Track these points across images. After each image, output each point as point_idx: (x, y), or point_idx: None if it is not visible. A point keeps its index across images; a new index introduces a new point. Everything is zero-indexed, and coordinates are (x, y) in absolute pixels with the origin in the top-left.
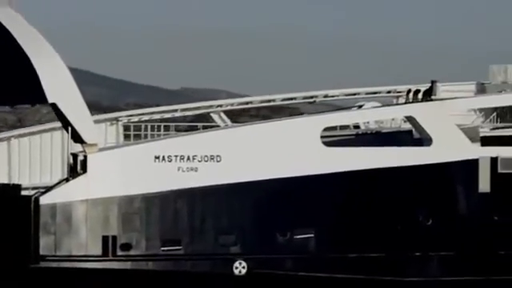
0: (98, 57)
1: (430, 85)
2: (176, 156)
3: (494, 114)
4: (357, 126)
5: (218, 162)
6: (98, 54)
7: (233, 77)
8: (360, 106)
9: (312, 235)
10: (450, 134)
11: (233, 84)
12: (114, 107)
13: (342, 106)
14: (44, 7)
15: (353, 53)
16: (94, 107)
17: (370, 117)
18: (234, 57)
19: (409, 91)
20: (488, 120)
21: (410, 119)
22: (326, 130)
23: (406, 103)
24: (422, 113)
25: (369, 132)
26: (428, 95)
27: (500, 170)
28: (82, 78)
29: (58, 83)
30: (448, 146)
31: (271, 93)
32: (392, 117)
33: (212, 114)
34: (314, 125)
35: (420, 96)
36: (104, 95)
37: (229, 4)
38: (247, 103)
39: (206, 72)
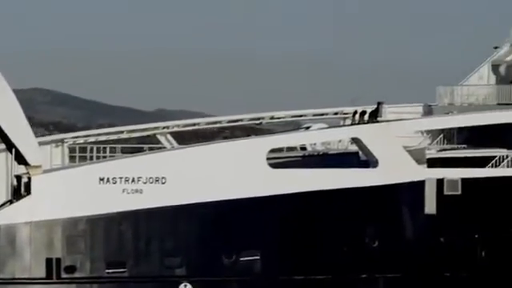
0: (72, 78)
1: (376, 106)
2: (121, 178)
3: (441, 135)
4: (303, 148)
5: (163, 183)
6: (71, 75)
7: (209, 98)
8: (307, 128)
9: (258, 257)
10: (396, 155)
11: (210, 106)
12: (88, 128)
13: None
14: (17, 29)
15: (303, 73)
16: (70, 129)
17: (316, 138)
18: (211, 78)
19: (355, 113)
20: (435, 142)
21: (356, 141)
22: (272, 151)
23: (351, 125)
24: (368, 134)
25: (315, 154)
26: (374, 117)
27: (446, 192)
28: (56, 98)
29: (1, 105)
30: (394, 167)
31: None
32: (338, 138)
33: (158, 136)
34: (259, 146)
35: (366, 117)
36: (77, 116)
37: (207, 25)
38: (194, 125)
39: (183, 93)
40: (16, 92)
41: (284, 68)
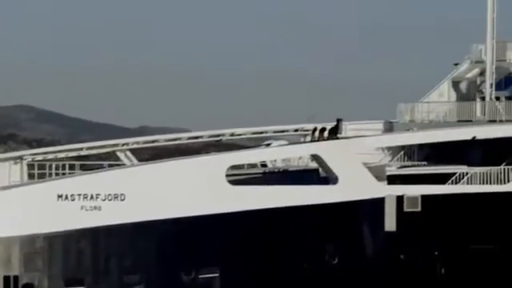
0: (55, 95)
1: (335, 123)
2: (79, 195)
3: (402, 152)
4: (264, 165)
5: (121, 200)
6: (55, 92)
7: (194, 115)
8: (268, 145)
9: (217, 274)
10: (355, 172)
11: (194, 122)
12: None
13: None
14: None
15: (264, 89)
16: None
17: (276, 155)
18: (195, 95)
19: (315, 129)
20: (395, 158)
21: (315, 158)
22: (232, 168)
23: (311, 141)
24: (328, 151)
25: (276, 170)
26: (334, 133)
27: (406, 209)
28: (40, 115)
29: None
30: (354, 184)
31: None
32: (297, 155)
33: (118, 153)
34: (219, 163)
35: (326, 134)
36: (61, 133)
37: (193, 43)
38: (153, 142)
39: (166, 110)
40: (1, 109)
41: (258, 84)
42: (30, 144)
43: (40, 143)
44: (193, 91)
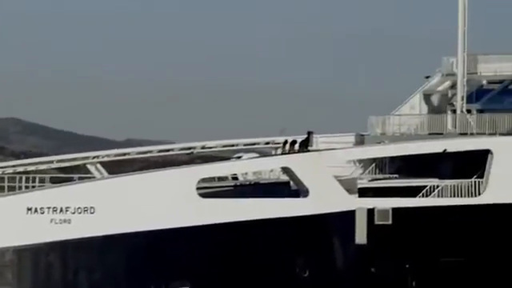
0: (41, 108)
1: (306, 136)
2: (49, 208)
3: (373, 165)
4: (235, 178)
5: (91, 213)
6: (41, 105)
7: (180, 128)
8: (239, 158)
9: (187, 287)
10: (326, 185)
11: (181, 135)
12: None
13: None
14: None
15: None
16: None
17: (246, 168)
18: (181, 108)
19: (285, 142)
20: (367, 171)
21: (286, 170)
22: (203, 181)
23: (282, 154)
24: (299, 164)
25: (247, 183)
26: (304, 146)
27: (377, 222)
28: (26, 128)
29: None
30: (324, 197)
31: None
32: (268, 168)
33: (88, 166)
34: (189, 176)
35: (296, 147)
36: (48, 146)
37: (177, 56)
38: (124, 154)
39: (153, 123)
40: None
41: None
42: (18, 157)
43: (27, 156)
44: (177, 104)
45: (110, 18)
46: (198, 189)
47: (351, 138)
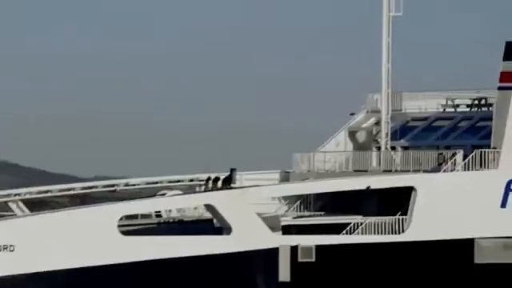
0: (10, 145)
1: (229, 173)
2: None
3: (298, 202)
4: (159, 215)
5: (11, 251)
6: (9, 142)
7: (149, 165)
8: (163, 195)
9: None
10: (249, 222)
11: (154, 170)
12: None
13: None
14: None
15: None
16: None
17: (169, 205)
18: (152, 144)
19: (208, 179)
20: (292, 208)
21: (209, 208)
22: (127, 218)
23: (205, 191)
24: (221, 201)
25: (170, 220)
26: (227, 183)
27: (300, 259)
28: None
29: None
30: (247, 234)
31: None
32: (191, 205)
33: (10, 203)
34: (110, 213)
35: (219, 184)
36: (17, 183)
37: (145, 93)
38: (46, 191)
39: (121, 159)
40: None
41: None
42: None
43: None
44: (143, 140)
45: (84, 57)
46: (120, 226)
47: (276, 175)
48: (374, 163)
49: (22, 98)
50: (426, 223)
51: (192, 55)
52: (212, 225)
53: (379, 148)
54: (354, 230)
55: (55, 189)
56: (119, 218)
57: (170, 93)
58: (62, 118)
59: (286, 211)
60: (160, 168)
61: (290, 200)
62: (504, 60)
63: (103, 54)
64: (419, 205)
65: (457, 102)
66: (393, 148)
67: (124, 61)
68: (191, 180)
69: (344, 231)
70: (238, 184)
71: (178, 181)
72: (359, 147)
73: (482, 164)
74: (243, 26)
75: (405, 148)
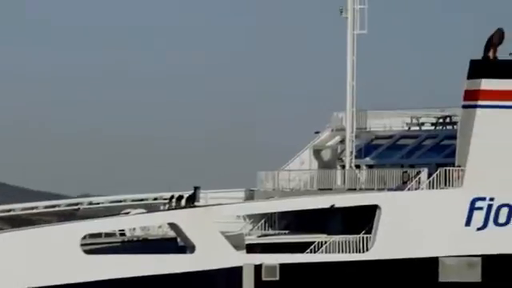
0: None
1: (193, 191)
2: None
3: (263, 220)
4: (123, 233)
5: None
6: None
7: (134, 183)
8: (127, 213)
9: None
10: (213, 241)
11: (140, 189)
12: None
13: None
14: None
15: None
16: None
17: (132, 224)
18: (137, 162)
19: (172, 197)
20: (256, 227)
21: (172, 226)
22: (90, 236)
23: (168, 210)
24: (185, 220)
25: (134, 239)
26: (191, 202)
27: (264, 278)
28: None
29: None
30: (211, 253)
31: None
32: (154, 224)
33: None
34: (73, 232)
35: (183, 202)
36: (2, 202)
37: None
38: (9, 210)
39: (108, 177)
40: None
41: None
42: None
43: None
44: (130, 159)
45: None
46: (83, 245)
47: (241, 194)
48: (339, 182)
49: (4, 116)
50: (390, 242)
51: (156, 75)
52: (176, 243)
53: (344, 166)
54: (319, 249)
55: (18, 207)
56: (82, 236)
57: (143, 110)
58: (49, 134)
59: (251, 230)
60: (126, 186)
61: (255, 218)
62: (468, 78)
63: (71, 74)
64: (383, 223)
65: (422, 120)
66: (357, 166)
67: (91, 79)
68: (155, 199)
69: (308, 250)
70: (202, 202)
71: (142, 199)
72: (324, 165)
73: (447, 182)
74: (208, 45)
75: (369, 166)
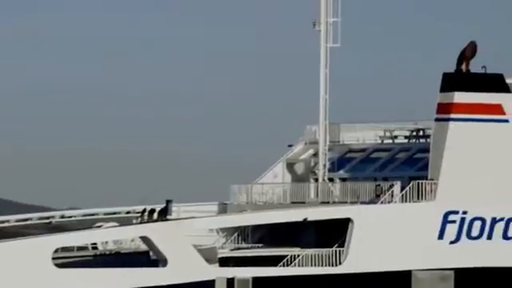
0: None
1: (165, 204)
2: None
3: (236, 234)
4: (95, 247)
5: None
6: None
7: (107, 196)
8: (99, 227)
9: None
10: (185, 254)
11: (123, 203)
12: None
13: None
14: None
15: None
16: None
17: (103, 237)
18: (109, 176)
19: (144, 211)
20: (229, 240)
21: (145, 240)
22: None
23: (140, 223)
24: (157, 233)
25: (107, 253)
26: (163, 215)
27: None
28: None
29: None
30: (183, 266)
31: None
32: (126, 237)
33: None
34: (44, 246)
35: (155, 216)
36: None
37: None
38: None
39: (95, 190)
40: None
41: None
42: None
43: None
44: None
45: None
46: (55, 258)
47: (214, 207)
48: (312, 195)
49: None
50: (363, 255)
51: (125, 90)
52: (148, 257)
53: (317, 179)
54: (291, 262)
55: None
56: (54, 249)
57: (116, 123)
58: (36, 149)
59: (224, 243)
60: (98, 199)
61: (228, 232)
62: (441, 91)
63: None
64: (356, 236)
65: (395, 133)
66: (331, 180)
67: (67, 93)
68: (128, 212)
69: (281, 263)
70: (174, 216)
71: (115, 213)
72: (297, 179)
73: (420, 196)
74: (182, 61)
75: (343, 179)
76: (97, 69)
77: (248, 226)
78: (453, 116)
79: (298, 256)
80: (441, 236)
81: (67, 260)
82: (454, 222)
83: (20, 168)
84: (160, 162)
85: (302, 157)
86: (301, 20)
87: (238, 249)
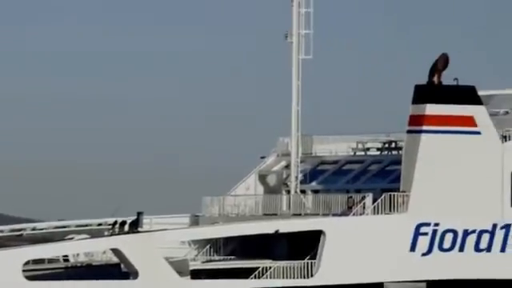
0: None
1: (136, 217)
2: None
3: (208, 246)
4: (66, 259)
5: None
6: None
7: (93, 209)
8: (71, 239)
9: None
10: (156, 266)
11: (94, 215)
12: None
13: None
14: None
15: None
16: None
17: (74, 249)
18: (81, 188)
19: (115, 223)
20: (201, 252)
21: (115, 252)
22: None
23: (111, 235)
24: (127, 245)
25: (78, 265)
26: (134, 227)
27: None
28: None
29: None
30: (154, 279)
31: None
32: (97, 249)
33: None
34: (14, 258)
35: (126, 228)
36: None
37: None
38: None
39: (85, 204)
40: None
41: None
42: None
43: None
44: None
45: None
46: (25, 271)
47: (186, 219)
48: (284, 207)
49: None
50: (335, 267)
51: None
52: (120, 269)
53: (289, 191)
54: (263, 274)
55: None
56: (25, 262)
57: (87, 136)
58: (25, 160)
59: (196, 255)
60: (69, 212)
61: (200, 244)
62: (413, 103)
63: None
64: (328, 248)
65: (367, 145)
66: (303, 191)
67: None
68: (99, 224)
69: (253, 275)
70: (146, 228)
71: (86, 225)
72: (269, 191)
73: (392, 207)
74: (153, 71)
75: (315, 191)
76: (66, 81)
77: (220, 238)
78: (425, 128)
79: (270, 268)
80: (413, 248)
81: (38, 272)
82: (425, 234)
83: None
84: (132, 173)
85: (275, 168)
86: (273, 32)
87: (210, 261)
